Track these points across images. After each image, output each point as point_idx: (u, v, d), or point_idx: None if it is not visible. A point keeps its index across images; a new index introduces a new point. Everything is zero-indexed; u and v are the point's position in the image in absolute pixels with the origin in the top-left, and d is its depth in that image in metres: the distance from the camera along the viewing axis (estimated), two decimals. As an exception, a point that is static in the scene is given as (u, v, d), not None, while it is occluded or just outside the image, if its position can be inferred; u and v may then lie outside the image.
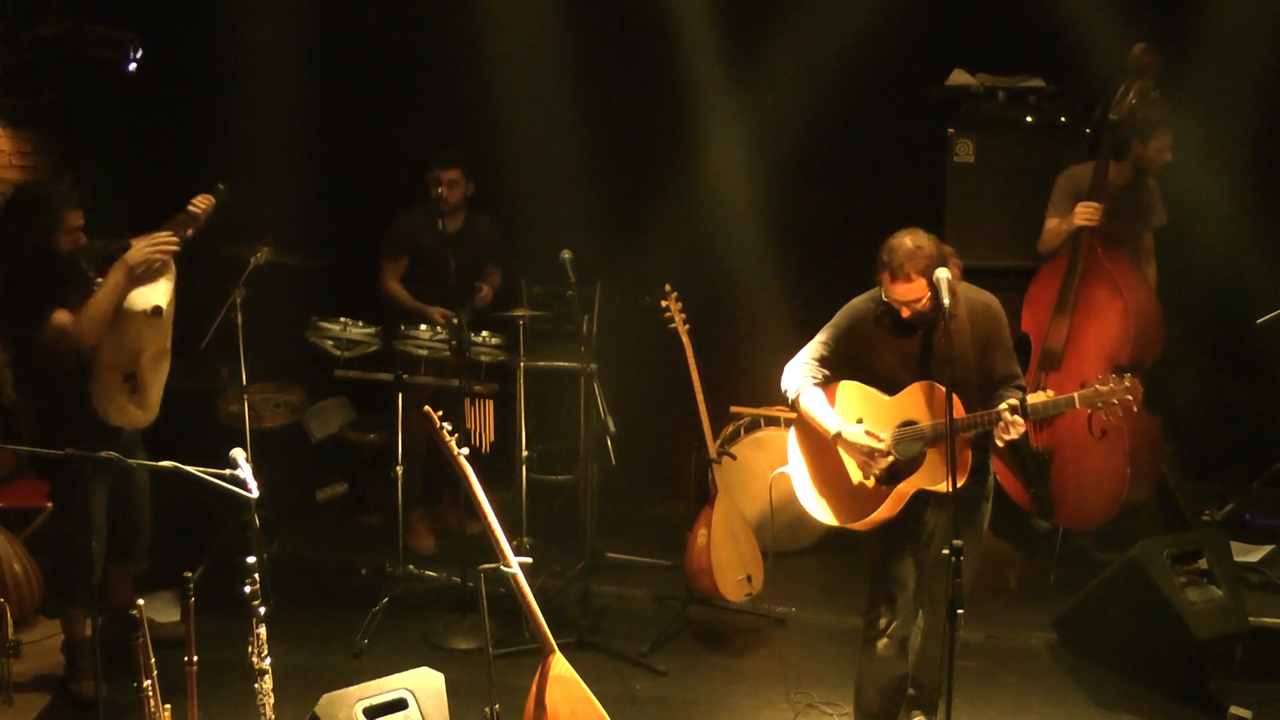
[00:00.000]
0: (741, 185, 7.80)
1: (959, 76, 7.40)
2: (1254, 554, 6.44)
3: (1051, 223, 6.56)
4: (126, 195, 5.42)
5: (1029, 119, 7.24)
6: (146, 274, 5.13)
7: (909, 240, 4.49)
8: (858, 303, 4.85)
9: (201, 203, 5.53)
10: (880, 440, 4.65)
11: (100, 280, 5.12)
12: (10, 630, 5.48)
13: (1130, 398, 4.46)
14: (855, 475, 4.77)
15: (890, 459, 4.68)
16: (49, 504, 6.20)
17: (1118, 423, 5.95)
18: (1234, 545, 6.17)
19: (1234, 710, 4.41)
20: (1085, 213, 6.31)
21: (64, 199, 5.15)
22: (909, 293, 4.50)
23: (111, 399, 5.20)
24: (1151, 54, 6.37)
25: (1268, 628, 5.75)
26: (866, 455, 4.67)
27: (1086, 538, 6.82)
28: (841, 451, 4.75)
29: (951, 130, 7.33)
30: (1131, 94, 6.38)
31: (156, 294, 5.23)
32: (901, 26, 7.39)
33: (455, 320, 6.24)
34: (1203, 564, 5.74)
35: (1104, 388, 4.49)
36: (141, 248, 5.09)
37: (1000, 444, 4.58)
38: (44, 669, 5.62)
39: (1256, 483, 6.96)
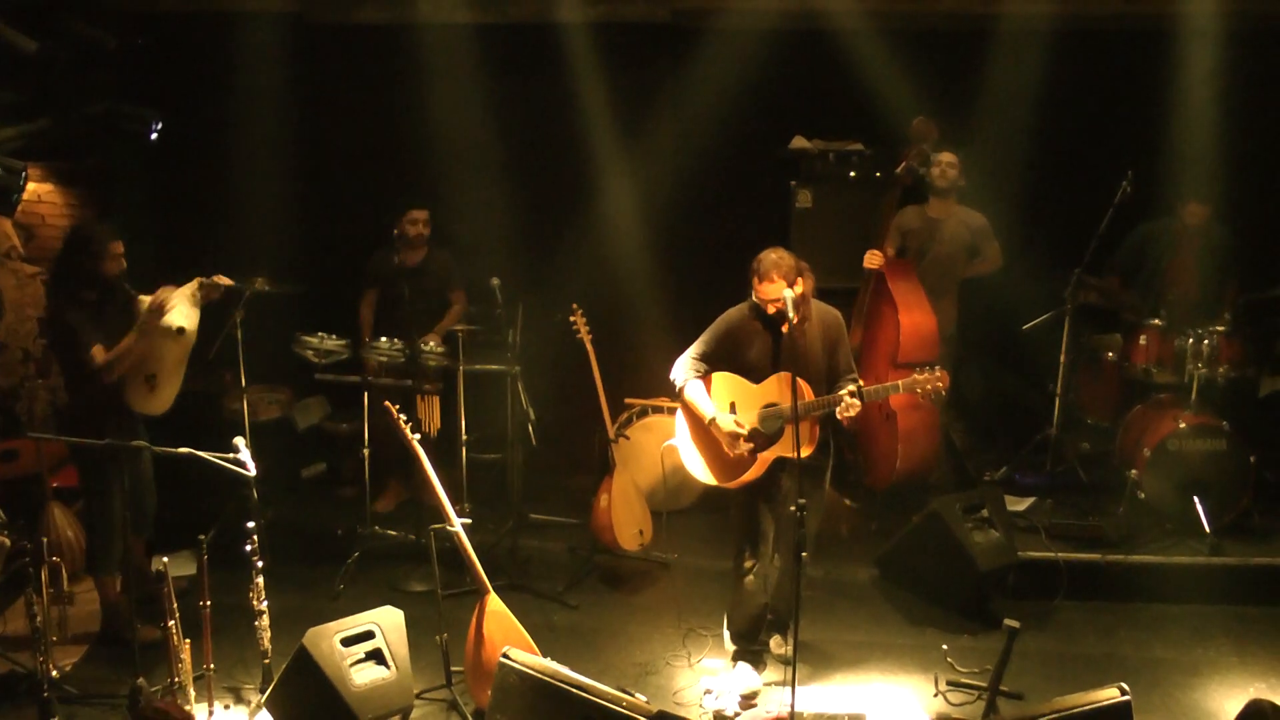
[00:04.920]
0: (634, 225, 7.78)
1: (799, 142, 7.45)
2: (1021, 504, 6.63)
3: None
4: (151, 240, 5.40)
5: (852, 174, 7.31)
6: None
7: (773, 254, 4.71)
8: (731, 312, 4.99)
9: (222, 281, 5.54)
10: (742, 428, 4.77)
11: (142, 297, 5.21)
12: (65, 583, 5.52)
13: (940, 385, 4.65)
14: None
15: (750, 443, 4.78)
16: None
17: (899, 409, 6.20)
18: (1007, 498, 6.39)
19: (1007, 622, 4.53)
20: (871, 260, 6.42)
21: (108, 231, 5.24)
22: (772, 292, 4.68)
23: (134, 392, 5.24)
24: (928, 124, 6.51)
25: (1031, 560, 5.93)
26: (731, 438, 4.79)
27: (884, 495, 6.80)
28: (714, 431, 4.86)
29: (794, 183, 7.38)
30: (910, 157, 6.54)
31: (180, 317, 5.24)
32: (755, 102, 7.44)
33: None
34: (985, 513, 5.90)
35: (921, 376, 4.65)
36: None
37: (841, 420, 4.67)
38: (93, 614, 5.58)
39: (1023, 451, 7.06)
